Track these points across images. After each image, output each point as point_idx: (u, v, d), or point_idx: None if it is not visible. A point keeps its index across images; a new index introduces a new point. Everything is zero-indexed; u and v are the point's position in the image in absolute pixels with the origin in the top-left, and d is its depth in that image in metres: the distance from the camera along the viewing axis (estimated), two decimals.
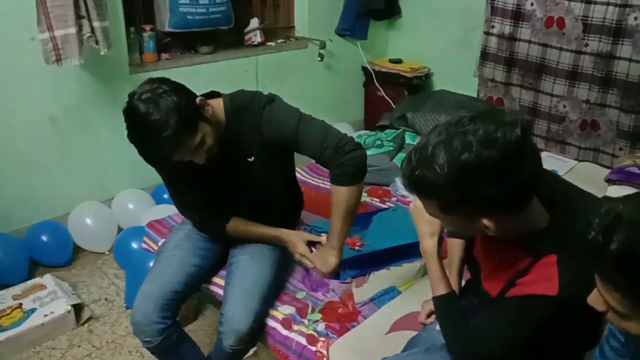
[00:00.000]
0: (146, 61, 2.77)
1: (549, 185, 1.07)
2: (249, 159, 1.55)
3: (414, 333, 1.40)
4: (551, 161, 2.91)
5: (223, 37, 3.10)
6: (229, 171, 1.56)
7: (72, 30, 2.13)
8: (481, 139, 0.89)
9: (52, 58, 2.15)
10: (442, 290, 1.20)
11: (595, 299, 0.83)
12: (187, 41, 2.98)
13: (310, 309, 1.56)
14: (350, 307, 1.54)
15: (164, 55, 2.86)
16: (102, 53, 2.30)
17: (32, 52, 2.22)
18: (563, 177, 1.26)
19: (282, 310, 1.56)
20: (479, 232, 1.03)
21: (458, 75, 3.63)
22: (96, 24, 2.22)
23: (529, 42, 3.24)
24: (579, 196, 1.09)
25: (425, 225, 1.19)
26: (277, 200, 1.69)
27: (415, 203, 1.18)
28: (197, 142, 1.37)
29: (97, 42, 2.25)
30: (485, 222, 0.97)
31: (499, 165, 0.89)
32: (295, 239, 1.61)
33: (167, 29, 2.76)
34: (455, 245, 1.48)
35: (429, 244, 1.20)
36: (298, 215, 1.91)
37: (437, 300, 1.21)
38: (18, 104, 2.36)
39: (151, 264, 2.10)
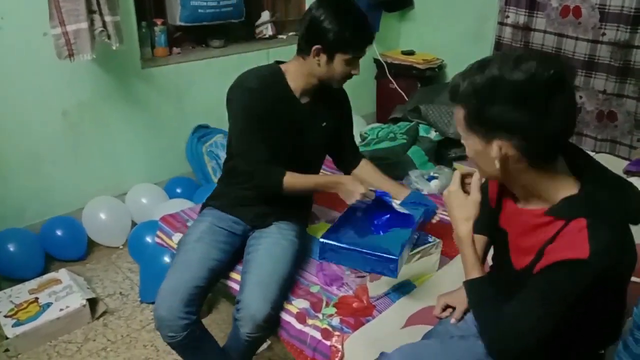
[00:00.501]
0: (158, 56, 2.77)
1: (575, 155, 1.08)
2: (322, 124, 1.74)
3: (429, 327, 1.39)
4: None
5: (234, 31, 3.09)
6: (306, 126, 1.70)
7: (84, 25, 2.13)
8: (518, 64, 0.96)
9: (64, 53, 2.15)
10: (476, 274, 1.16)
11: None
12: (199, 35, 2.98)
13: (324, 303, 1.54)
14: (365, 302, 1.52)
15: (175, 50, 2.86)
16: (114, 48, 2.29)
17: (44, 48, 2.22)
18: None
19: (297, 304, 1.55)
20: (491, 167, 1.04)
21: None
22: (108, 19, 2.21)
23: (544, 32, 3.19)
24: (603, 169, 1.09)
25: (460, 209, 1.17)
26: (313, 168, 1.84)
27: (449, 189, 1.19)
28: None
29: (109, 37, 2.25)
30: (496, 147, 1.00)
31: (522, 91, 0.95)
32: (351, 179, 1.66)
33: (178, 23, 2.76)
34: (476, 241, 1.45)
35: (463, 230, 1.16)
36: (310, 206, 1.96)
37: (470, 283, 1.17)
38: (31, 100, 2.37)
39: (165, 258, 2.12)
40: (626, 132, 3.07)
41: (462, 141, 1.10)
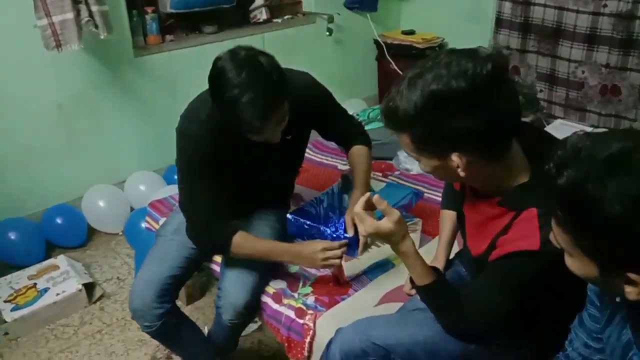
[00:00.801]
0: (150, 44, 2.78)
1: (534, 140, 1.05)
2: (287, 137, 1.45)
3: (399, 304, 1.39)
4: (568, 129, 2.79)
5: (228, 16, 3.08)
6: (263, 151, 1.43)
7: (70, 15, 2.16)
8: (452, 71, 0.89)
9: (51, 44, 2.18)
10: (429, 280, 1.15)
11: (552, 235, 0.81)
12: (191, 22, 2.98)
13: (301, 283, 1.56)
14: (341, 281, 1.53)
15: (168, 37, 2.87)
16: (102, 37, 2.32)
17: (35, 40, 2.25)
18: None
19: (274, 284, 1.57)
20: (453, 175, 1.00)
21: (472, 44, 3.35)
22: (94, 8, 2.23)
23: (544, 5, 3.11)
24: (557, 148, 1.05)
25: (392, 229, 1.10)
26: (285, 182, 1.74)
27: (368, 223, 1.12)
28: (286, 114, 1.35)
29: (96, 26, 2.27)
30: (455, 159, 0.95)
31: (468, 98, 0.89)
32: (307, 245, 1.46)
33: (169, 10, 2.76)
34: (447, 216, 1.46)
35: (405, 247, 1.13)
36: (290, 193, 1.92)
37: (424, 290, 1.15)
38: (25, 93, 2.41)
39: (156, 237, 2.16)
40: (630, 106, 2.99)
41: (415, 159, 1.04)
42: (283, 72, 1.33)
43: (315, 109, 1.57)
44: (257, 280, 1.53)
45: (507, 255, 0.99)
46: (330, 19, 3.45)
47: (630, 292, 0.72)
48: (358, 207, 1.13)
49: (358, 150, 1.68)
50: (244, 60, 1.27)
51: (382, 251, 1.66)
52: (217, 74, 1.28)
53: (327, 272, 1.59)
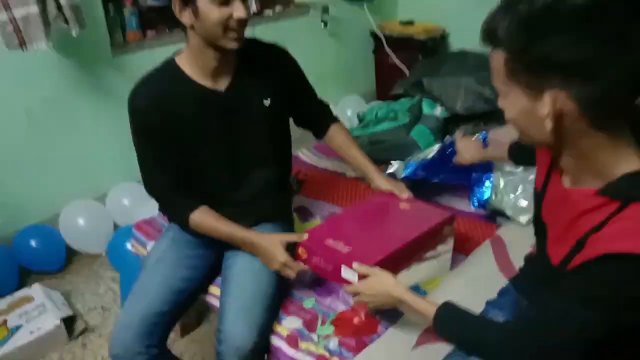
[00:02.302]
0: (130, 40, 2.51)
1: None
2: (265, 101, 1.39)
3: (446, 345, 1.15)
4: None
5: None
6: (237, 116, 1.37)
7: (34, 9, 1.87)
8: None
9: (13, 42, 1.90)
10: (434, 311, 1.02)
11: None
12: (174, 15, 2.69)
13: (320, 320, 1.31)
14: (363, 316, 1.28)
15: (150, 33, 2.59)
16: (73, 34, 2.03)
17: None
18: None
19: (287, 323, 1.31)
20: (539, 131, 0.79)
21: (478, 33, 3.28)
22: (63, 2, 1.95)
23: None
24: None
25: (384, 282, 1.11)
26: (275, 169, 1.48)
27: (356, 289, 1.14)
28: None
29: (66, 22, 1.99)
30: (547, 99, 0.75)
31: (589, 12, 0.70)
32: (270, 243, 1.31)
33: (149, 3, 2.50)
34: None
35: (398, 293, 1.08)
36: (287, 197, 1.65)
37: (440, 322, 1.01)
38: None
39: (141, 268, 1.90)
40: None
41: (500, 102, 0.84)
42: None
43: (292, 81, 1.49)
44: (265, 316, 1.29)
45: (599, 258, 0.73)
46: (325, 10, 3.21)
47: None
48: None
49: (339, 127, 1.61)
50: None
51: (410, 274, 1.42)
52: None
53: (348, 305, 1.34)
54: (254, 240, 1.34)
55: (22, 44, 1.91)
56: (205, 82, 1.33)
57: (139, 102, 1.31)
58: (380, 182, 1.48)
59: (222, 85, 1.35)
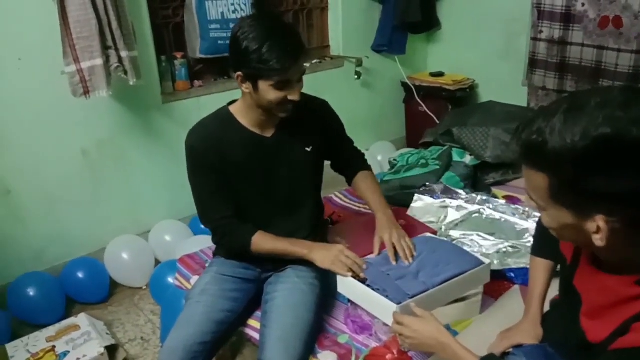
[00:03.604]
0: (179, 89, 2.72)
1: None
2: (307, 148, 1.54)
3: None
4: None
5: None
6: (281, 160, 1.51)
7: (99, 61, 2.08)
8: (632, 114, 0.72)
9: (79, 91, 2.10)
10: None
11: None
12: (220, 67, 2.91)
13: (354, 356, 1.38)
14: (396, 353, 1.35)
15: (196, 83, 2.80)
16: (131, 83, 2.24)
17: (62, 87, 2.18)
18: None
19: (323, 357, 1.39)
20: (584, 241, 0.82)
21: (505, 85, 3.41)
22: (124, 54, 2.16)
23: (582, 45, 3.00)
24: None
25: (432, 325, 1.14)
26: (311, 207, 1.62)
27: (400, 325, 1.18)
28: (305, 68, 1.43)
29: (125, 73, 2.20)
30: (600, 223, 0.76)
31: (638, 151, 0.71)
32: (330, 246, 1.47)
33: (198, 55, 2.71)
34: (542, 266, 1.29)
35: (445, 339, 1.11)
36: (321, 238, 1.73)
37: None
38: (50, 140, 2.33)
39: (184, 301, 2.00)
40: None
41: (539, 212, 0.86)
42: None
43: (332, 128, 1.64)
44: (302, 348, 1.38)
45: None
46: (359, 63, 3.39)
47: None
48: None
49: (366, 175, 1.71)
50: (263, 15, 1.44)
51: (439, 315, 1.48)
52: (235, 38, 1.35)
53: (381, 342, 1.42)
54: (310, 246, 1.48)
55: (87, 92, 2.12)
56: (255, 130, 1.48)
57: (196, 142, 1.47)
58: (382, 232, 1.52)
59: (269, 133, 1.50)
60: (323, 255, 1.44)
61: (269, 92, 1.36)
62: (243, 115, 1.48)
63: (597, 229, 0.78)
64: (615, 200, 0.75)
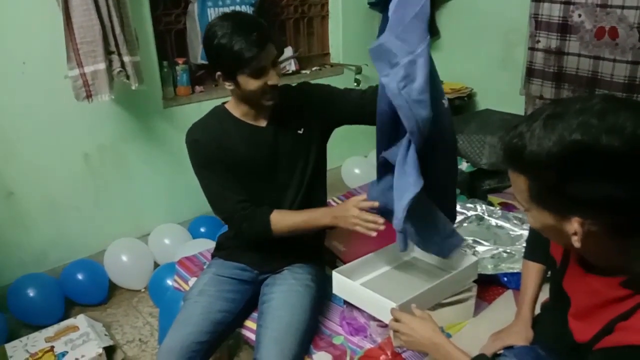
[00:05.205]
0: (180, 94, 2.75)
1: None
2: (298, 131, 1.56)
3: None
4: None
5: None
6: (278, 147, 1.54)
7: (102, 65, 2.12)
8: (606, 123, 0.74)
9: (82, 94, 2.14)
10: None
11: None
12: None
13: (348, 357, 1.41)
14: (390, 354, 1.37)
15: (197, 88, 2.84)
16: (133, 88, 2.27)
17: (65, 91, 2.22)
18: None
19: (317, 358, 1.42)
20: (564, 241, 0.85)
21: (502, 93, 3.45)
22: (126, 59, 2.20)
23: (579, 55, 3.03)
24: None
25: (428, 326, 1.16)
26: (316, 190, 1.63)
27: (396, 328, 1.19)
28: (276, 52, 1.44)
29: (127, 77, 2.23)
30: (575, 225, 0.79)
31: (620, 161, 0.73)
32: (347, 206, 1.43)
33: (199, 61, 2.75)
34: (533, 269, 1.32)
35: (439, 340, 1.13)
36: (320, 240, 1.76)
37: None
38: (53, 144, 2.36)
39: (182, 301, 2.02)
40: None
41: (523, 210, 0.89)
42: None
43: (318, 97, 1.59)
44: (297, 349, 1.40)
45: (625, 347, 0.81)
46: (359, 70, 3.42)
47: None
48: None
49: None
50: (227, 14, 1.46)
51: (435, 316, 1.51)
52: (207, 42, 1.42)
53: (375, 344, 1.44)
54: (328, 209, 1.51)
55: (89, 96, 2.15)
56: (250, 121, 1.54)
57: (198, 135, 1.51)
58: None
59: (263, 123, 1.55)
60: (344, 221, 1.42)
61: (248, 83, 1.41)
62: (236, 110, 1.54)
63: (574, 232, 0.81)
64: (590, 205, 0.77)
